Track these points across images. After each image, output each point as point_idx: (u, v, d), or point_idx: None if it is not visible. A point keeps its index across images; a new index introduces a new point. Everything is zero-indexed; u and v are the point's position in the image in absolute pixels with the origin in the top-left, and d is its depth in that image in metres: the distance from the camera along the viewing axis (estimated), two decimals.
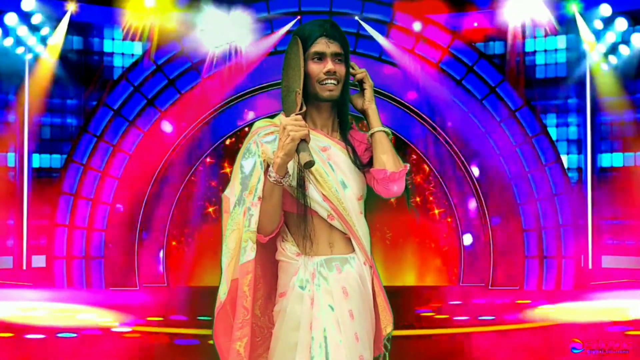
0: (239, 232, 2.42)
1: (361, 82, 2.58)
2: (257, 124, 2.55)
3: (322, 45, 2.48)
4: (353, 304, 2.47)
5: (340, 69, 2.50)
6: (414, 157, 12.11)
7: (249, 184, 2.42)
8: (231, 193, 2.48)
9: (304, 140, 2.33)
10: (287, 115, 2.44)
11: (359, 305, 2.48)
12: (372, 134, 2.54)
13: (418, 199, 12.25)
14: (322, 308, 2.44)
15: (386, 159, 2.49)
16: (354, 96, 2.59)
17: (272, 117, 2.59)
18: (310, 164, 2.31)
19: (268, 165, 2.41)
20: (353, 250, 2.52)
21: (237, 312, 2.40)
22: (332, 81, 2.48)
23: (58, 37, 10.69)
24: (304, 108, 2.43)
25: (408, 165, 2.56)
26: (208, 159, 12.13)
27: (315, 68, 2.48)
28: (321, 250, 2.49)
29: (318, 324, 2.43)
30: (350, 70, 2.56)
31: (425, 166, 12.22)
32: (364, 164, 2.55)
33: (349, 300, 2.47)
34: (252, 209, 2.40)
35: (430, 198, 12.34)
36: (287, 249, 2.51)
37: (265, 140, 2.48)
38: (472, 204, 11.84)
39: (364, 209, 2.56)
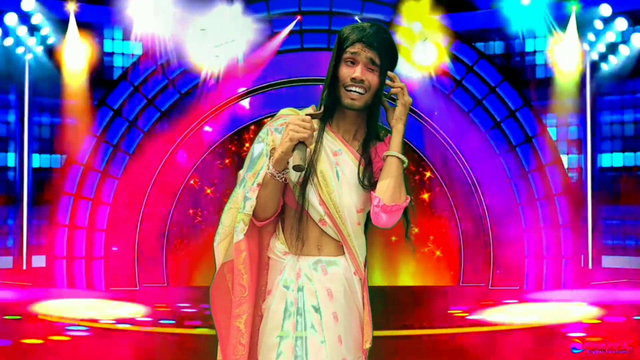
0: (235, 211, 2.43)
1: (396, 98, 2.45)
2: (281, 111, 2.51)
3: (356, 49, 2.39)
4: (337, 306, 2.44)
5: (371, 78, 2.39)
6: (415, 156, 12.10)
7: (253, 168, 2.43)
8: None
9: (303, 143, 2.30)
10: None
11: (344, 308, 2.45)
12: (385, 156, 2.43)
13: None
14: (306, 308, 2.42)
15: (386, 188, 2.38)
16: (391, 108, 2.46)
17: (301, 109, 2.53)
18: (298, 167, 2.29)
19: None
20: (342, 253, 2.48)
21: (234, 290, 2.44)
22: (358, 89, 2.39)
23: (73, 42, 10.71)
24: (321, 110, 2.40)
25: (409, 198, 2.44)
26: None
27: (345, 72, 2.40)
28: (308, 251, 2.46)
29: (300, 325, 2.42)
30: (387, 82, 2.43)
31: (425, 165, 12.21)
32: (373, 182, 2.46)
33: (334, 303, 2.43)
34: (249, 193, 2.40)
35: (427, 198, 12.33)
36: (276, 247, 2.49)
37: (277, 129, 2.45)
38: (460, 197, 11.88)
39: (364, 221, 2.50)
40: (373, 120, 2.48)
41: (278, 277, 2.46)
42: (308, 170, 2.40)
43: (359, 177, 2.44)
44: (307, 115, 2.36)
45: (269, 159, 2.39)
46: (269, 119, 2.57)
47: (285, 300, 2.43)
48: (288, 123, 2.32)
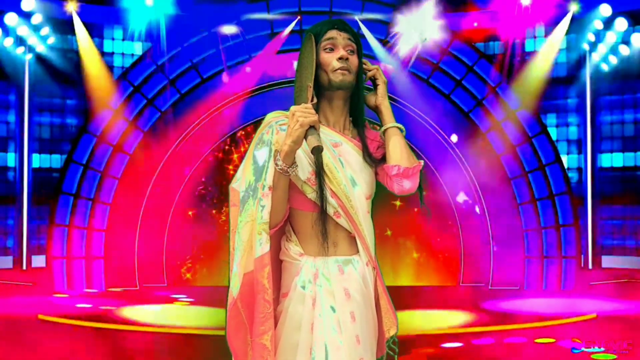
0: (252, 223, 2.36)
1: (374, 79, 2.54)
2: (269, 115, 2.51)
3: (333, 35, 2.47)
4: (354, 305, 2.43)
5: (353, 59, 2.47)
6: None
7: (262, 174, 2.38)
8: (240, 185, 2.44)
9: (313, 127, 2.29)
10: None
11: (361, 307, 2.45)
12: (385, 130, 2.49)
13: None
14: (324, 309, 2.41)
15: (400, 154, 2.44)
16: (367, 95, 2.54)
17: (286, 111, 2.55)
18: (318, 149, 2.26)
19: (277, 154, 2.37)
20: (357, 251, 2.48)
21: (258, 306, 2.36)
22: (345, 68, 2.45)
23: (83, 40, 10.74)
24: (315, 100, 2.40)
25: (422, 161, 2.51)
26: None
27: (327, 57, 2.46)
28: (325, 251, 2.44)
29: (319, 325, 2.40)
30: (363, 66, 2.52)
31: (425, 165, 12.22)
32: (377, 161, 2.50)
33: (351, 302, 2.43)
34: (263, 200, 2.35)
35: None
36: (291, 249, 2.47)
37: (282, 127, 2.42)
38: (461, 197, 11.86)
39: (371, 209, 2.52)
40: (359, 105, 2.53)
41: (295, 279, 2.44)
42: (320, 158, 2.38)
43: (365, 158, 2.48)
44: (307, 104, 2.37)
45: (275, 156, 2.35)
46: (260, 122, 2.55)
47: (303, 301, 2.41)
48: (292, 112, 2.30)
